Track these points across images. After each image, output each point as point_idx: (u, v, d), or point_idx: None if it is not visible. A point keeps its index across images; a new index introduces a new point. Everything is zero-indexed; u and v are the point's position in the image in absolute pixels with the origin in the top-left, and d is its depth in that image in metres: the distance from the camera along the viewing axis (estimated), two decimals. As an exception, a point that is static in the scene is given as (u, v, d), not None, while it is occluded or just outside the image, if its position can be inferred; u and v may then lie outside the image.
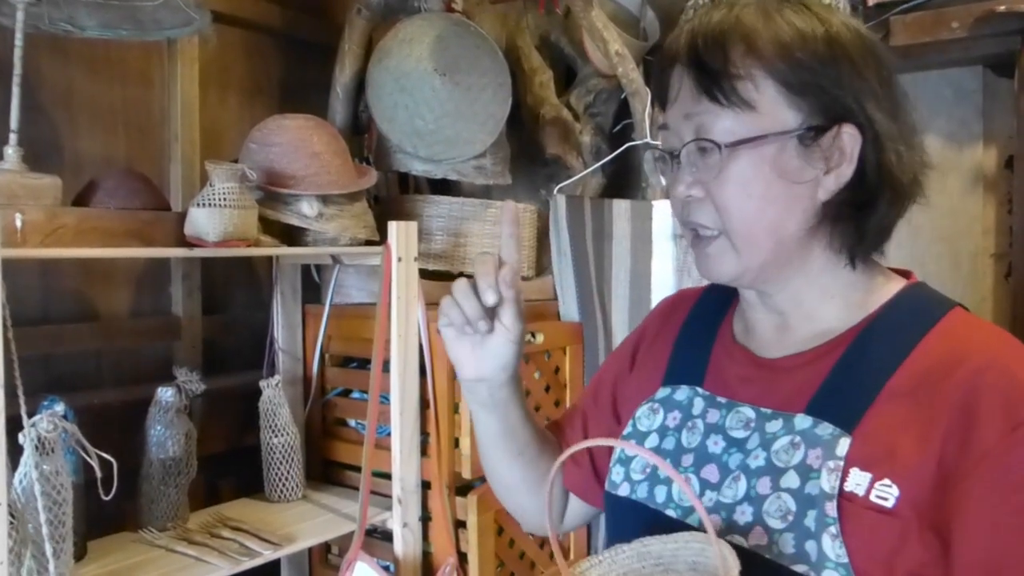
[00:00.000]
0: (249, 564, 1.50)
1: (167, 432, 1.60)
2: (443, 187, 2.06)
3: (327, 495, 1.86)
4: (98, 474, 1.32)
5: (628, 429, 0.94)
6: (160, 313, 1.83)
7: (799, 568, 0.74)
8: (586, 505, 1.06)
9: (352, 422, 1.94)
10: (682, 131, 0.83)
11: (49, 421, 1.29)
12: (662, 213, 1.94)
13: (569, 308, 1.97)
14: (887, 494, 0.72)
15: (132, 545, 1.55)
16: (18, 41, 1.31)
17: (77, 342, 1.68)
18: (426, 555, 1.77)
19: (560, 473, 1.04)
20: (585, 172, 2.06)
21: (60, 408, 1.34)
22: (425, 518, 1.76)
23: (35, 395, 1.30)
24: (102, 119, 1.73)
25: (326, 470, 1.98)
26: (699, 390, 0.90)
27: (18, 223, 1.24)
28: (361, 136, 2.04)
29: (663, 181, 0.92)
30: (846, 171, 0.80)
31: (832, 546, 0.73)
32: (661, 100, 0.88)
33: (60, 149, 1.66)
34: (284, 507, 1.79)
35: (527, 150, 2.14)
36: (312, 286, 1.99)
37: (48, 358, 1.63)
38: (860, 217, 0.82)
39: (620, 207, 1.98)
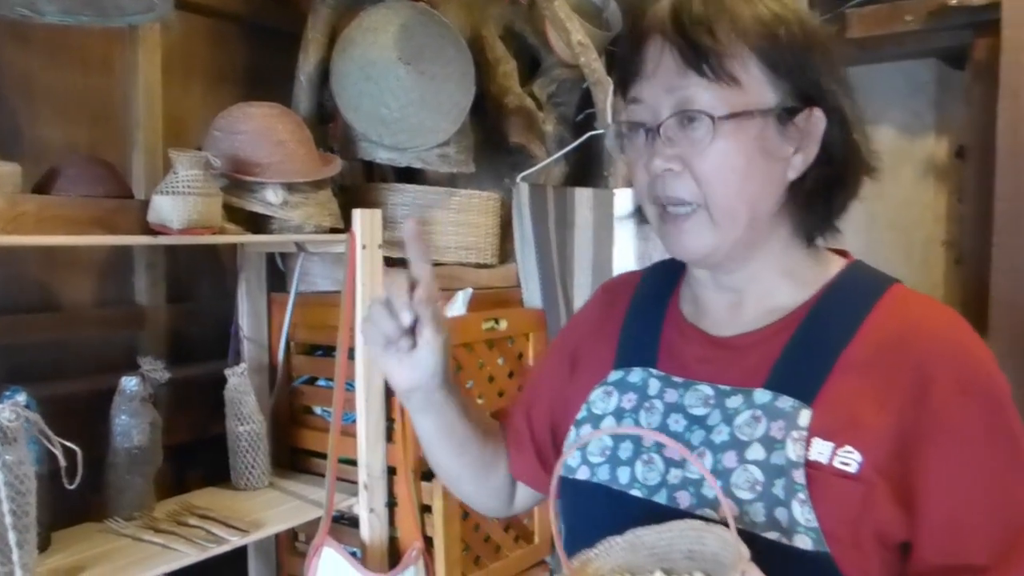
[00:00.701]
0: (216, 551, 1.51)
1: (132, 421, 1.59)
2: (408, 175, 2.07)
3: (294, 482, 1.87)
4: (62, 463, 1.32)
5: (583, 413, 0.95)
6: (124, 302, 1.82)
7: (771, 535, 0.77)
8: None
9: (318, 410, 1.95)
10: (660, 104, 0.84)
11: (11, 411, 1.28)
12: (624, 201, 1.97)
13: (532, 295, 1.99)
14: (850, 460, 0.77)
15: (97, 535, 1.54)
16: (-24, 27, 1.29)
17: (40, 332, 1.67)
18: (392, 540, 1.78)
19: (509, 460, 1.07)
20: (548, 161, 2.09)
21: (22, 398, 1.33)
22: (391, 503, 1.77)
23: (-3, 385, 1.30)
24: (63, 106, 1.71)
25: (293, 457, 1.99)
26: (653, 371, 0.92)
27: (-21, 211, 1.24)
28: (326, 124, 2.04)
29: (623, 157, 0.92)
30: (812, 152, 0.84)
31: (802, 511, 0.76)
32: (631, 74, 0.88)
33: (20, 136, 1.64)
34: (251, 495, 1.79)
35: (491, 139, 2.16)
36: (277, 274, 1.99)
37: (10, 348, 1.62)
38: (823, 196, 0.86)
39: (583, 195, 2.01)
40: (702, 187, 0.83)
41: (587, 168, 2.25)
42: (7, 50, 1.62)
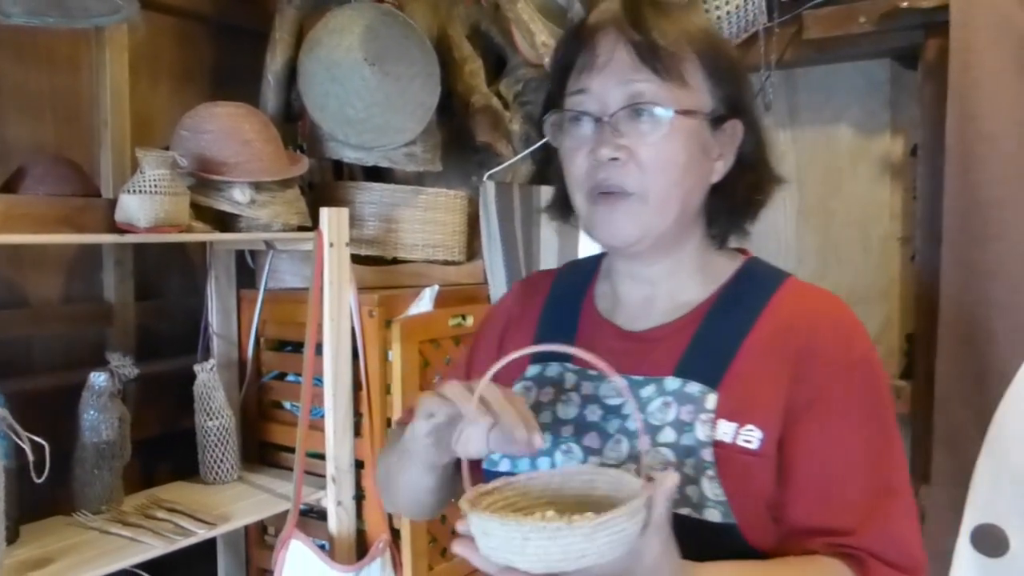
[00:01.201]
0: (183, 543, 1.54)
1: (100, 416, 1.62)
2: (377, 173, 2.09)
3: (263, 476, 1.90)
4: (30, 458, 1.34)
5: None
6: (92, 299, 1.84)
7: (683, 510, 0.83)
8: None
9: (287, 404, 1.98)
10: (610, 96, 0.89)
11: (-20, 406, 1.31)
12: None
13: (499, 291, 2.03)
14: (751, 438, 0.84)
15: (66, 528, 1.57)
16: (-58, 29, 1.31)
17: (8, 328, 1.68)
18: (360, 533, 1.82)
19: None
20: (515, 159, 2.12)
21: (-9, 393, 1.36)
22: (359, 496, 1.81)
23: (-35, 381, 1.32)
24: (30, 106, 1.73)
25: (262, 452, 2.02)
26: (568, 365, 0.96)
27: (-55, 210, 1.26)
28: (294, 123, 2.07)
29: (555, 142, 0.96)
30: (731, 159, 0.93)
31: (710, 487, 0.83)
32: (576, 66, 0.92)
33: (-13, 136, 1.66)
34: (219, 488, 1.82)
35: (458, 138, 2.19)
36: (247, 271, 2.02)
37: (-23, 345, 1.64)
38: (739, 201, 0.94)
39: (548, 193, 2.04)
40: (645, 176, 0.88)
41: (553, 166, 2.28)
42: (-27, 51, 1.63)
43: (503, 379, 0.98)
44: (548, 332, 1.01)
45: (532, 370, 0.99)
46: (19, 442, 1.35)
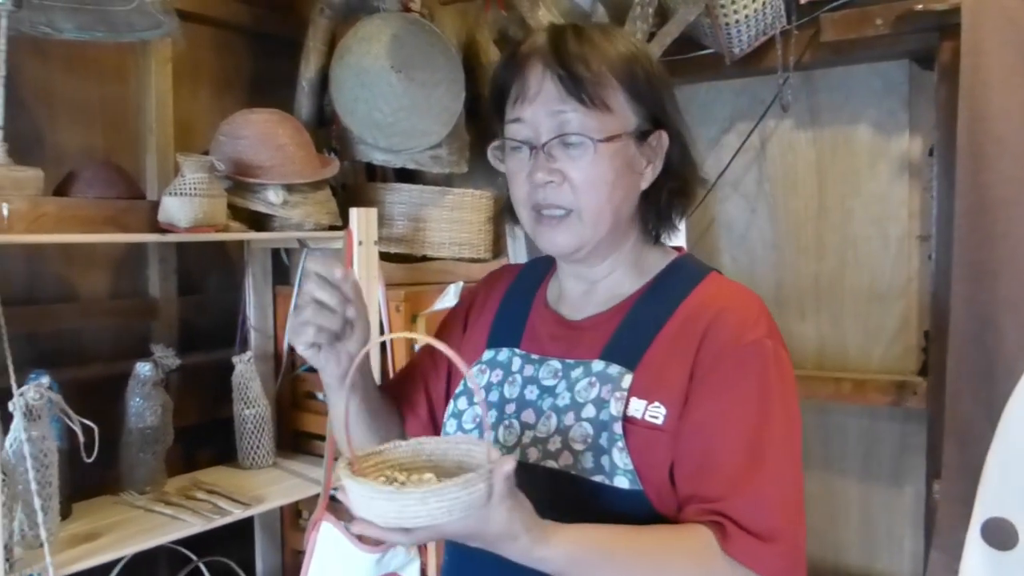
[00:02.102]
0: (221, 521, 1.64)
1: (145, 404, 1.73)
2: (407, 174, 2.18)
3: (296, 462, 2.01)
4: (81, 439, 1.46)
5: (460, 387, 1.10)
6: (138, 295, 1.96)
7: (597, 478, 0.94)
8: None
9: (320, 395, 2.08)
10: (541, 125, 0.98)
11: (36, 391, 1.43)
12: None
13: (522, 288, 2.10)
14: (657, 414, 0.93)
15: (113, 506, 1.69)
16: (1, 44, 1.42)
17: (60, 321, 1.81)
18: (388, 516, 1.91)
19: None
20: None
21: (46, 380, 1.48)
22: (386, 482, 1.90)
23: (22, 370, 1.43)
24: (81, 114, 1.85)
25: (295, 439, 2.12)
26: (516, 351, 1.07)
27: (4, 212, 1.37)
28: (327, 127, 2.16)
29: (500, 167, 1.07)
30: (659, 166, 1.02)
31: (620, 457, 0.93)
32: (511, 95, 1.01)
33: (42, 143, 1.78)
34: (256, 473, 1.93)
35: (486, 139, 2.25)
36: (282, 268, 2.12)
37: (34, 336, 1.76)
38: (667, 202, 1.04)
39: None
40: (577, 195, 0.98)
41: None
42: (29, 64, 1.75)
43: (467, 357, 1.11)
44: (502, 323, 1.12)
45: (487, 354, 1.10)
46: (71, 425, 1.46)
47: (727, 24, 2.02)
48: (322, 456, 1.96)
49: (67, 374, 1.69)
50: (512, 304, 1.14)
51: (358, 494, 0.79)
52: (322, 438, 2.02)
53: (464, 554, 0.89)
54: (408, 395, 1.19)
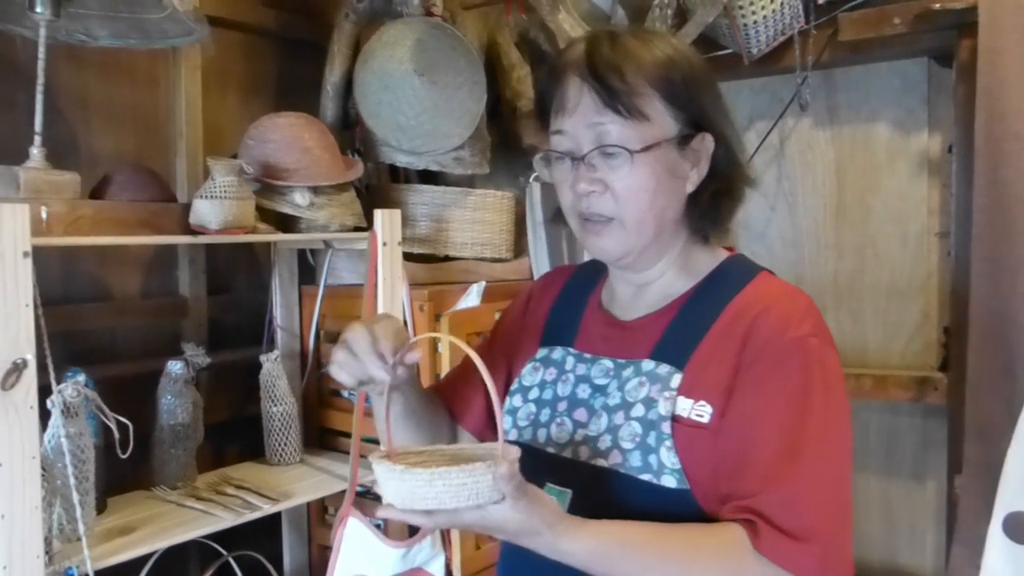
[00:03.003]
0: (250, 516, 1.68)
1: (176, 401, 1.78)
2: (430, 176, 2.22)
3: (322, 459, 2.05)
4: (116, 435, 1.50)
5: (515, 385, 1.13)
6: (169, 294, 2.01)
7: (644, 477, 0.95)
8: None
9: (345, 393, 2.12)
10: (582, 137, 1.01)
11: (74, 388, 1.47)
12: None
13: (543, 287, 2.13)
14: (703, 412, 0.94)
15: (146, 501, 1.74)
16: (41, 54, 1.47)
17: (94, 320, 1.86)
18: (413, 512, 1.94)
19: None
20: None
21: (82, 378, 1.52)
22: (411, 478, 1.93)
23: (59, 367, 1.47)
24: (114, 119, 1.90)
25: (322, 437, 2.16)
26: (570, 350, 1.10)
27: (43, 215, 1.41)
28: (352, 130, 2.20)
29: (546, 177, 1.10)
30: (704, 168, 1.03)
31: (667, 456, 0.94)
32: (552, 106, 1.04)
33: (77, 147, 1.83)
34: (283, 469, 1.97)
35: (507, 140, 2.30)
36: (308, 269, 2.16)
37: (69, 334, 1.81)
38: (715, 204, 1.05)
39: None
40: (619, 204, 1.00)
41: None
42: (65, 70, 1.80)
43: (520, 359, 1.15)
44: (556, 322, 1.15)
45: (541, 352, 1.13)
46: (107, 422, 1.51)
47: (745, 25, 2.04)
48: (347, 453, 2.00)
49: (100, 372, 1.73)
50: (566, 304, 1.17)
51: (377, 474, 0.85)
52: (348, 435, 2.06)
53: (517, 551, 0.91)
54: (463, 393, 1.20)
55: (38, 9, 1.46)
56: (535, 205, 2.12)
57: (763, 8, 2.01)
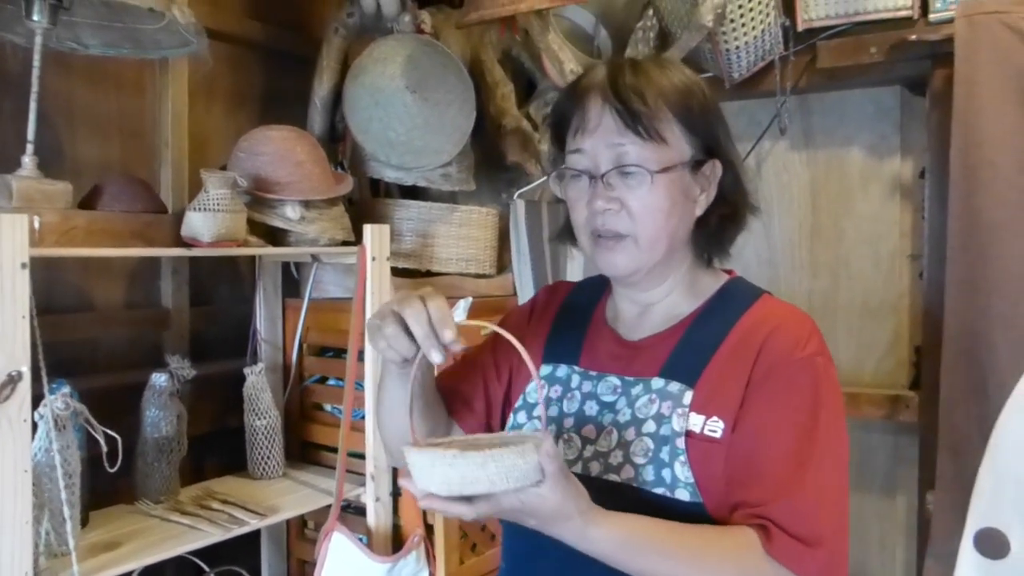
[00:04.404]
0: (237, 531, 1.67)
1: (161, 414, 1.76)
2: (411, 190, 2.23)
3: (305, 473, 2.03)
4: (103, 449, 1.48)
5: (520, 402, 1.14)
6: (151, 305, 1.98)
7: (658, 490, 0.98)
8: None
9: (328, 407, 2.11)
10: (600, 156, 1.04)
11: (62, 401, 1.45)
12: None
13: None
14: (716, 428, 0.98)
15: (129, 515, 1.71)
16: (36, 62, 1.45)
17: (76, 330, 1.83)
18: (396, 527, 1.94)
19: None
20: (543, 179, 2.25)
21: (67, 390, 1.50)
22: (395, 493, 1.93)
23: (41, 379, 1.44)
24: (99, 127, 1.88)
25: (303, 450, 2.15)
26: (575, 368, 1.12)
27: (36, 225, 1.39)
28: (337, 143, 2.20)
29: (559, 193, 1.12)
30: (712, 193, 1.08)
31: (682, 471, 0.97)
32: (571, 126, 1.07)
33: (62, 155, 1.80)
34: (266, 483, 1.95)
35: (490, 157, 2.32)
36: (292, 281, 2.16)
37: (51, 345, 1.76)
38: (720, 228, 1.10)
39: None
40: (634, 222, 1.03)
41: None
42: (52, 77, 1.76)
43: (520, 376, 1.16)
44: (559, 338, 1.17)
45: (544, 369, 1.15)
46: (95, 435, 1.48)
47: (727, 50, 2.09)
48: (330, 467, 1.99)
49: (82, 383, 1.68)
50: (568, 321, 1.19)
51: (421, 463, 0.84)
52: (330, 449, 2.05)
53: (522, 565, 0.93)
54: (463, 392, 1.20)
55: (35, 17, 1.44)
56: (519, 222, 2.14)
57: (745, 35, 2.06)
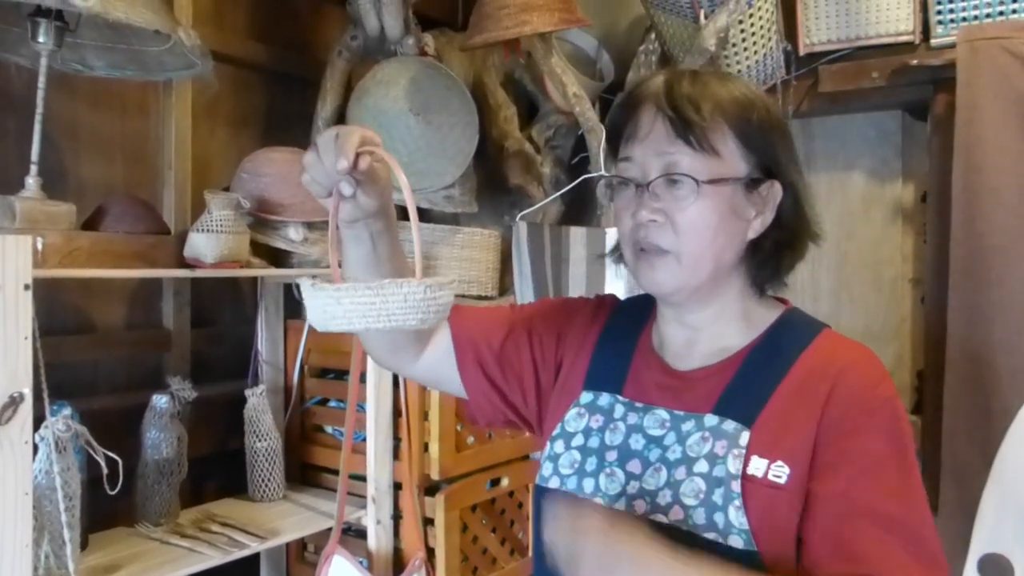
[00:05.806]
0: (238, 554, 1.65)
1: (162, 435, 1.75)
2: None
3: (305, 495, 2.02)
4: (104, 471, 1.47)
5: (557, 430, 1.08)
6: (152, 326, 1.98)
7: (709, 535, 0.92)
8: (452, 366, 1.15)
9: (329, 428, 2.10)
10: (650, 165, 0.99)
11: (63, 423, 1.44)
12: (615, 239, 2.14)
13: (529, 325, 2.15)
14: (781, 473, 0.91)
15: (129, 538, 1.69)
16: (41, 84, 1.46)
17: (76, 352, 1.82)
18: (397, 550, 1.93)
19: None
20: (545, 201, 2.26)
21: (69, 411, 1.49)
22: (396, 516, 1.92)
23: (42, 400, 1.44)
24: (103, 148, 1.88)
25: (304, 473, 2.13)
26: (619, 397, 1.05)
27: (39, 246, 1.40)
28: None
29: (610, 204, 1.07)
30: (769, 217, 1.00)
31: (736, 516, 0.91)
32: (623, 134, 1.03)
33: (66, 176, 1.81)
34: (267, 506, 1.94)
35: (492, 179, 2.33)
36: (294, 303, 2.15)
37: (51, 366, 1.76)
38: (775, 255, 1.03)
39: (577, 233, 2.18)
40: (679, 237, 0.98)
41: (581, 208, 2.42)
42: (56, 98, 1.77)
43: (560, 404, 1.10)
44: (602, 364, 1.10)
45: (585, 397, 1.08)
46: (96, 457, 1.47)
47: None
48: (331, 489, 1.98)
49: (83, 404, 1.67)
50: (611, 345, 1.12)
51: (304, 294, 0.89)
52: (330, 471, 2.04)
53: None
54: (474, 363, 1.14)
55: (40, 39, 1.45)
56: (521, 244, 2.14)
57: (747, 59, 2.08)
